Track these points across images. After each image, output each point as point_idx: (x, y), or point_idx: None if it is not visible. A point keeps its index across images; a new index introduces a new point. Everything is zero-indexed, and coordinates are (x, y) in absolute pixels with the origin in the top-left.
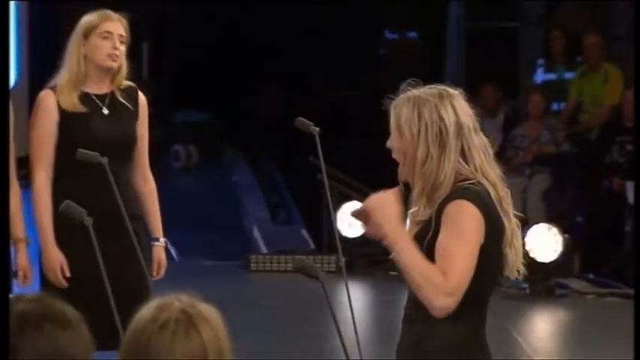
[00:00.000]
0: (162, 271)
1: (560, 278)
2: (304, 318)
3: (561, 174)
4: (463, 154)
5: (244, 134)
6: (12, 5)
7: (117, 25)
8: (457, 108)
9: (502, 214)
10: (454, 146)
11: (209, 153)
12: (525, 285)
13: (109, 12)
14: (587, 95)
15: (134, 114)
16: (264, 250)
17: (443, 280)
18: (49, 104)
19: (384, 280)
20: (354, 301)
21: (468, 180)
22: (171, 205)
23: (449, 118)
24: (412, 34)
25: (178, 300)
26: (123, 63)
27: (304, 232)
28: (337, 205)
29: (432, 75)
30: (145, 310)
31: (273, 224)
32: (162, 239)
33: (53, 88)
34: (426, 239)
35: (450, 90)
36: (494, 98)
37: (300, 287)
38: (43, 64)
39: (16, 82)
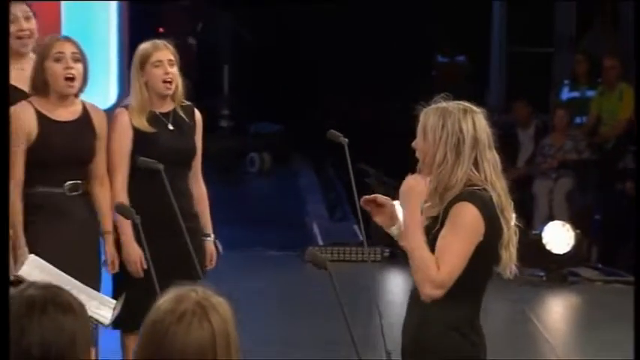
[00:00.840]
0: (214, 262)
1: (572, 267)
2: (348, 302)
3: (582, 178)
4: (476, 165)
5: (310, 143)
6: (114, 6)
7: (165, 52)
8: (477, 124)
9: (502, 221)
10: (468, 156)
11: (280, 160)
12: (542, 273)
13: (158, 41)
14: (605, 111)
15: (193, 128)
16: (320, 242)
17: (436, 272)
18: (124, 122)
19: None
20: (395, 287)
21: (477, 186)
22: (246, 204)
23: (468, 131)
24: (461, 58)
25: (194, 292)
26: (178, 82)
27: (355, 227)
28: None
29: (476, 93)
30: (164, 302)
31: (330, 221)
32: (211, 235)
33: (127, 107)
34: (432, 232)
35: (475, 108)
36: (526, 112)
37: (345, 275)
38: None
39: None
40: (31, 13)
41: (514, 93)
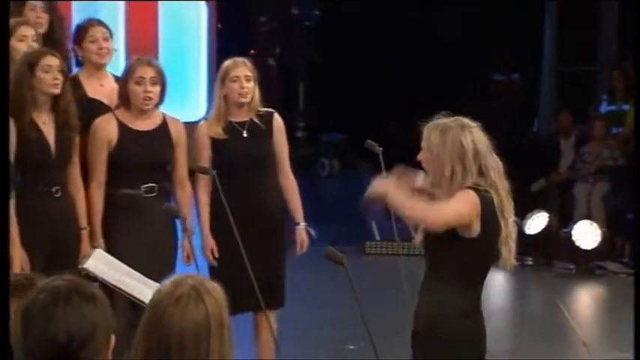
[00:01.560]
0: (305, 248)
1: (599, 261)
2: (396, 290)
3: (617, 182)
4: (481, 172)
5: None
6: (204, 29)
7: (242, 69)
8: (475, 137)
9: (501, 219)
10: (473, 166)
11: (346, 165)
12: (572, 266)
13: (238, 59)
14: None
15: (268, 133)
16: (377, 238)
17: (431, 205)
18: (202, 133)
19: None
20: None
21: (481, 187)
22: (317, 203)
23: (468, 144)
24: (515, 76)
25: (191, 278)
26: (255, 95)
27: (411, 226)
28: None
29: (528, 107)
30: (164, 286)
31: (387, 218)
32: (302, 223)
33: (207, 119)
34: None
35: (471, 122)
36: (568, 123)
37: (397, 267)
38: None
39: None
40: (108, 35)
41: (561, 107)
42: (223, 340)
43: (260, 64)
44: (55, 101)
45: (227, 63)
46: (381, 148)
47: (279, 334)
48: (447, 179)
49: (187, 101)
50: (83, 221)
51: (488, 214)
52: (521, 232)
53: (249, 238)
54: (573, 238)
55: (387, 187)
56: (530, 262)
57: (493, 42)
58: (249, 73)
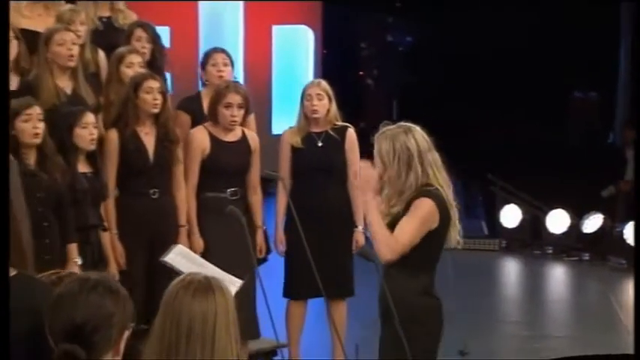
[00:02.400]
0: (359, 248)
1: None
2: (470, 281)
3: None
4: (423, 167)
5: (459, 158)
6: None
7: (314, 89)
8: (417, 139)
9: (450, 209)
10: (416, 164)
11: None
12: (624, 262)
13: (315, 80)
14: None
15: (341, 145)
16: None
17: (394, 242)
18: (284, 141)
19: (531, 256)
20: (514, 273)
21: (429, 184)
22: None
23: (413, 147)
24: (593, 94)
25: (205, 274)
26: (330, 110)
27: (483, 223)
28: (502, 205)
29: (605, 121)
30: (180, 276)
31: (465, 217)
32: (360, 227)
33: (291, 128)
34: (394, 223)
35: (412, 126)
36: (631, 135)
37: (470, 261)
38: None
39: None
40: (228, 61)
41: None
42: (229, 333)
43: (361, 84)
44: (157, 117)
45: (306, 84)
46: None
47: (350, 319)
48: (402, 181)
49: (294, 110)
50: (182, 219)
51: (443, 209)
52: (578, 231)
53: (319, 235)
54: (624, 236)
55: (367, 186)
56: (587, 258)
57: (572, 61)
58: (321, 92)
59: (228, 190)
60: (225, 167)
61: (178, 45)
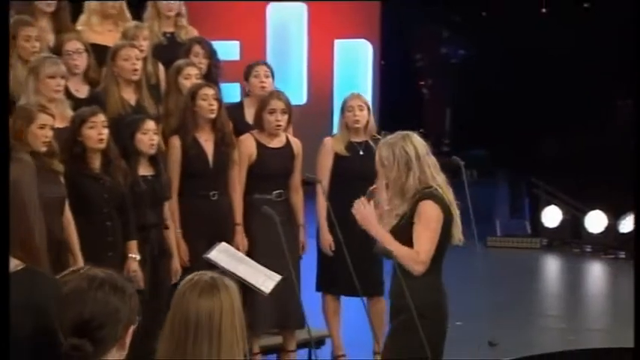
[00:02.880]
0: None
1: None
2: (514, 277)
3: None
4: (422, 169)
5: (507, 164)
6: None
7: (355, 101)
8: (415, 143)
9: (451, 208)
10: (415, 167)
11: (484, 174)
12: None
13: (354, 93)
14: None
15: None
16: (498, 233)
17: (416, 256)
18: (328, 147)
19: (570, 254)
20: (554, 270)
21: (428, 185)
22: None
23: (411, 151)
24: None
25: (212, 274)
26: (370, 120)
27: (527, 223)
28: (544, 206)
29: None
30: (189, 276)
31: (509, 218)
32: None
33: (333, 136)
34: (400, 224)
35: (410, 133)
36: None
37: (514, 258)
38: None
39: None
40: (269, 73)
41: None
42: (234, 326)
43: (417, 94)
44: (214, 123)
45: (346, 96)
46: (462, 162)
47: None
48: (402, 182)
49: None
50: (238, 218)
51: (445, 209)
52: (615, 231)
53: (358, 236)
54: None
55: (370, 222)
56: (623, 256)
57: (613, 68)
58: (362, 104)
59: (274, 192)
60: (270, 171)
61: (247, 57)
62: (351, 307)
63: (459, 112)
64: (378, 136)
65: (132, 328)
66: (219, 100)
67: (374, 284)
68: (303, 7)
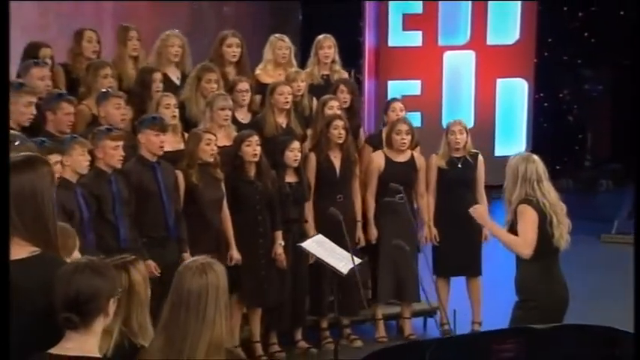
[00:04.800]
0: None
1: None
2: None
3: None
4: (529, 184)
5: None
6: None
7: (457, 126)
8: (527, 168)
9: (546, 211)
10: (520, 185)
11: (619, 184)
12: None
13: (456, 119)
14: None
15: (474, 167)
16: (613, 231)
17: (522, 242)
18: (433, 163)
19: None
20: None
21: (531, 196)
22: (592, 209)
23: (520, 172)
24: None
25: (204, 258)
26: (468, 141)
27: None
28: None
29: None
30: (187, 261)
31: (627, 218)
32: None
33: (437, 154)
34: (509, 229)
35: (533, 156)
36: None
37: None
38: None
39: None
40: (404, 107)
41: None
42: (218, 304)
43: (564, 120)
44: (342, 145)
45: (449, 121)
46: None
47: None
48: (508, 196)
49: (511, 140)
50: (358, 216)
51: (540, 212)
52: None
53: (464, 229)
54: None
55: (484, 219)
56: None
57: None
58: (462, 128)
59: (397, 196)
60: (395, 179)
61: (427, 93)
62: (456, 285)
63: (598, 133)
64: (474, 151)
65: (112, 300)
66: (347, 129)
67: (472, 267)
68: (472, 54)
